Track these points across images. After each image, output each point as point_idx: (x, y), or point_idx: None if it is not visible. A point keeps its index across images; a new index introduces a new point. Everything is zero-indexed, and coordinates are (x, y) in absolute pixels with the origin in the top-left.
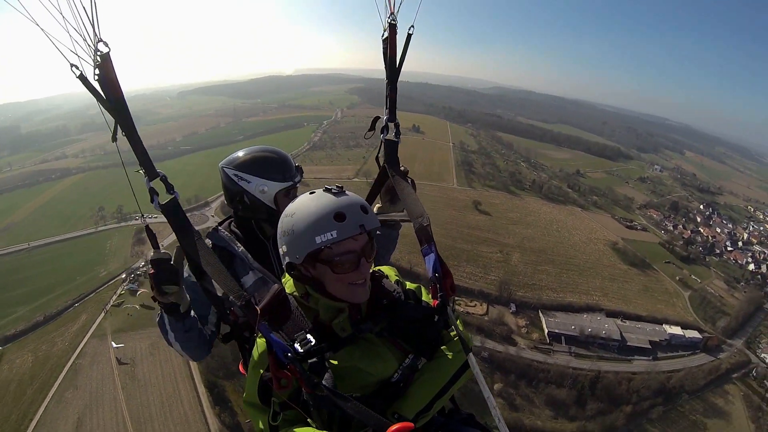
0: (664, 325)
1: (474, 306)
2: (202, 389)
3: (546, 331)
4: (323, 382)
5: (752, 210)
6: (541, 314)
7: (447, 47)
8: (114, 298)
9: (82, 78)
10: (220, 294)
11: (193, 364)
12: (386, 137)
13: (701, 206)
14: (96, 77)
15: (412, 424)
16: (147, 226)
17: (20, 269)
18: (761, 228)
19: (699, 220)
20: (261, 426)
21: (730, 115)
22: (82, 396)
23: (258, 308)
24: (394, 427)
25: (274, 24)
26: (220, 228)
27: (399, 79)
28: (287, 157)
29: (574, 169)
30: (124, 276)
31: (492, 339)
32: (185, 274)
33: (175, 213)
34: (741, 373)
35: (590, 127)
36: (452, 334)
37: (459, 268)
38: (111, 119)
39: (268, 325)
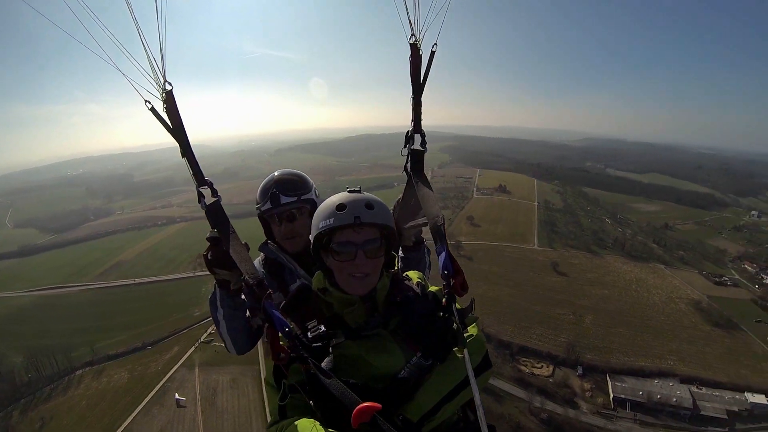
0: (746, 393)
1: (540, 367)
2: None
3: (611, 395)
4: (322, 364)
5: None
6: (608, 378)
7: (536, 98)
8: (204, 335)
9: (153, 110)
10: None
11: (267, 401)
12: (412, 147)
13: None
14: (164, 109)
15: (379, 405)
16: (206, 211)
17: (125, 301)
18: None
19: None
20: (272, 406)
21: None
22: (167, 413)
23: (267, 288)
24: (362, 405)
25: (369, 82)
26: (269, 242)
27: (490, 136)
28: (276, 181)
29: (663, 222)
30: None
31: (553, 401)
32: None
33: (216, 212)
34: None
35: (683, 173)
36: (466, 335)
37: (530, 330)
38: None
39: (281, 312)
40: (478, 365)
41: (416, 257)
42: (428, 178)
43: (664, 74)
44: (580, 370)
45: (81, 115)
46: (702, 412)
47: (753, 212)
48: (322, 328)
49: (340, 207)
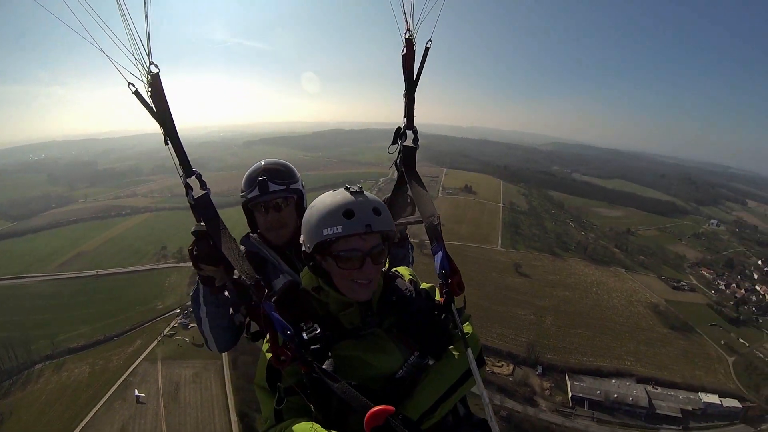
0: (699, 393)
1: (501, 366)
2: (234, 417)
3: (570, 394)
4: (322, 366)
5: None
6: (567, 377)
7: (507, 101)
8: (167, 329)
9: (137, 93)
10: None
11: (230, 394)
12: (404, 143)
13: (759, 262)
14: (148, 93)
15: (392, 408)
16: (194, 204)
17: (87, 293)
18: None
19: (756, 277)
20: (267, 410)
21: None
22: (129, 408)
23: (265, 288)
24: (375, 408)
25: (338, 77)
26: (251, 235)
27: (460, 136)
28: (264, 169)
29: (625, 227)
30: (178, 311)
31: (513, 399)
32: None
33: (205, 206)
34: None
35: (648, 181)
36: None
37: (491, 330)
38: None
39: (275, 308)
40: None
41: (401, 254)
42: (394, 176)
43: (633, 84)
44: (539, 370)
45: (45, 97)
46: (657, 411)
47: (712, 221)
48: (318, 328)
49: (348, 213)
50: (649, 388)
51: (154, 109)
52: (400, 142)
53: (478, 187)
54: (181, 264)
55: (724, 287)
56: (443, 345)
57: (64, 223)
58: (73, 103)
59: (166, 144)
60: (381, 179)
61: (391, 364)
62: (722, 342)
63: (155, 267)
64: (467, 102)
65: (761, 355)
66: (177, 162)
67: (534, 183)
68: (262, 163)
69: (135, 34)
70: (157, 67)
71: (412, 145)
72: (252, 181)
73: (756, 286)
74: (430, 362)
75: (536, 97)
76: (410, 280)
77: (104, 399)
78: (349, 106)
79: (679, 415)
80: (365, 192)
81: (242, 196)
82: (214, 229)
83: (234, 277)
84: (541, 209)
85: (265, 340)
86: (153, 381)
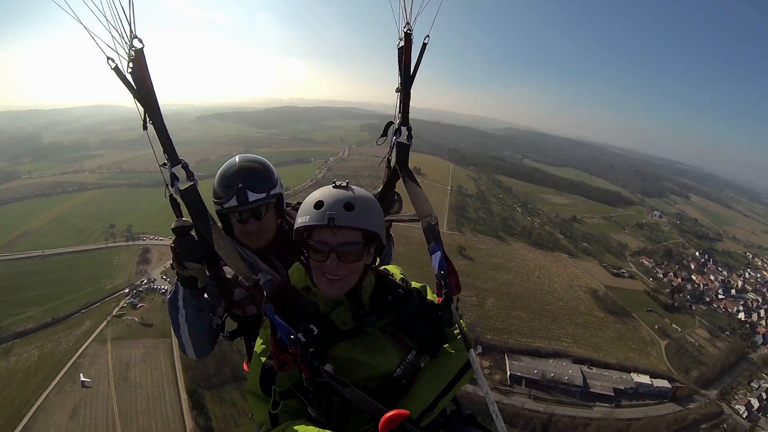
0: (632, 374)
1: None
2: (184, 395)
3: (508, 373)
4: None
5: (751, 256)
6: (506, 357)
7: (463, 84)
8: (116, 309)
9: (117, 70)
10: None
11: (180, 373)
12: (398, 140)
13: (697, 253)
14: (129, 70)
15: (407, 412)
16: (171, 196)
17: (33, 274)
18: (758, 275)
19: (693, 267)
20: (261, 416)
21: (749, 158)
22: (80, 391)
23: (264, 291)
24: (390, 413)
25: (295, 53)
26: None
27: (412, 117)
28: (241, 174)
29: (571, 214)
30: (127, 291)
31: None
32: None
33: (193, 198)
34: (710, 424)
35: (597, 170)
36: (455, 332)
37: None
38: (140, 109)
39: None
40: (468, 360)
41: (385, 250)
42: (345, 155)
43: (589, 77)
44: (479, 350)
45: None
46: (591, 390)
47: (655, 212)
48: (315, 330)
49: (318, 205)
50: (585, 368)
51: (135, 88)
52: (394, 138)
53: (428, 169)
54: (130, 243)
55: (662, 275)
56: (439, 344)
57: (7, 200)
58: (16, 70)
59: (145, 129)
60: (331, 158)
61: (389, 364)
62: (656, 327)
63: (103, 246)
64: (423, 83)
65: (692, 340)
66: (163, 149)
67: (484, 167)
68: (237, 161)
69: (116, 3)
70: (141, 41)
71: (406, 141)
72: (228, 188)
73: (692, 276)
74: (424, 362)
75: (494, 83)
76: (402, 279)
77: (54, 382)
78: (305, 84)
79: (612, 394)
80: (353, 188)
81: (217, 203)
82: (203, 225)
83: (228, 277)
84: (489, 193)
85: (259, 343)
86: (103, 362)
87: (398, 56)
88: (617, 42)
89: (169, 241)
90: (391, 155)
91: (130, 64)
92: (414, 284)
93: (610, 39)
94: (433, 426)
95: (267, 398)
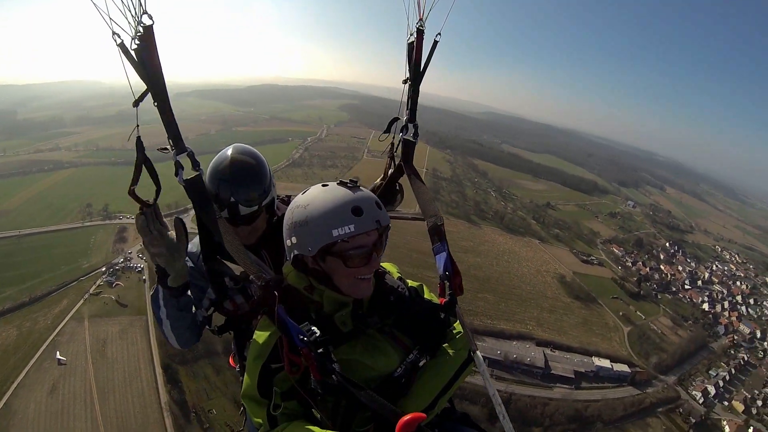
0: (593, 358)
1: None
2: (159, 370)
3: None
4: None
5: (720, 249)
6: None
7: (446, 66)
8: (93, 287)
9: (122, 47)
10: (226, 280)
11: (155, 349)
12: (405, 137)
13: (667, 244)
14: (135, 48)
15: (424, 415)
16: (184, 187)
17: (10, 254)
18: (725, 268)
19: (662, 257)
20: (259, 419)
21: (728, 154)
22: (59, 368)
23: (276, 292)
24: (407, 417)
25: (281, 28)
26: None
27: (392, 98)
28: (235, 180)
29: (546, 201)
30: (104, 269)
31: None
32: (188, 262)
33: (198, 188)
34: (666, 408)
35: (575, 158)
36: (454, 332)
37: None
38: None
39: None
40: (467, 359)
41: None
42: (322, 136)
43: (576, 64)
44: None
45: None
46: (552, 371)
47: (629, 202)
48: (316, 330)
49: (357, 211)
50: (547, 350)
51: (144, 69)
52: (401, 135)
53: None
54: (107, 222)
55: (631, 264)
56: (438, 343)
57: None
58: None
59: (135, 105)
60: (308, 138)
61: (390, 364)
62: (621, 314)
63: (80, 225)
64: (399, 64)
65: (655, 327)
66: (168, 135)
67: (461, 151)
68: (229, 155)
69: None
70: (151, 18)
71: (411, 139)
72: (219, 193)
73: (661, 266)
74: (423, 361)
75: (475, 66)
76: (399, 278)
77: (33, 360)
78: (288, 62)
79: (572, 376)
80: (361, 186)
81: None
82: (209, 219)
83: (236, 274)
84: (464, 177)
85: (258, 345)
86: (81, 339)
87: (407, 51)
88: (606, 31)
89: None
90: (395, 151)
91: (138, 42)
92: (410, 283)
93: (598, 26)
94: (428, 425)
95: (265, 402)
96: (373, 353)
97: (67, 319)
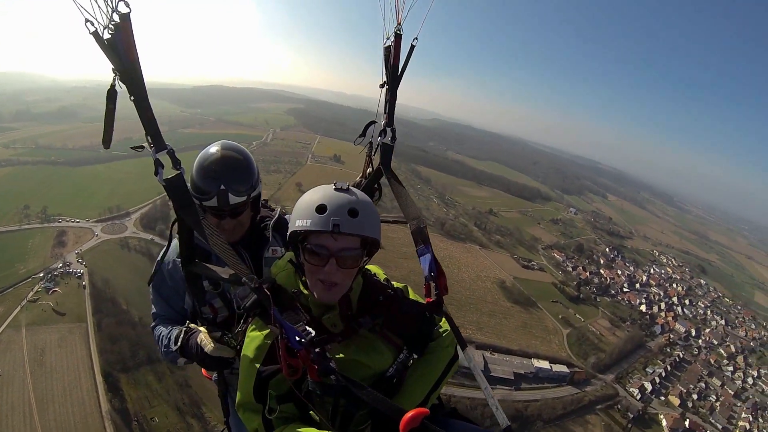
0: (533, 360)
1: None
2: (99, 378)
3: None
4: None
5: (657, 254)
6: None
7: None
8: (31, 294)
9: (96, 36)
10: (204, 285)
11: (95, 356)
12: (383, 141)
13: (607, 249)
14: (110, 38)
15: (427, 410)
16: (165, 187)
17: None
18: (662, 271)
19: (602, 262)
20: (254, 423)
21: (668, 164)
22: None
23: (268, 292)
24: (411, 413)
25: (232, 28)
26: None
27: (340, 103)
28: (222, 171)
29: (488, 207)
30: (41, 275)
31: None
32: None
33: (179, 189)
34: (605, 405)
35: (520, 166)
36: (440, 330)
37: None
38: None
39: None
40: (454, 356)
41: None
42: (268, 140)
43: (523, 73)
44: None
45: None
46: (492, 374)
47: (571, 209)
48: (311, 330)
49: (321, 209)
50: (487, 353)
51: (119, 60)
52: (380, 138)
53: (347, 156)
54: (45, 225)
55: (571, 269)
56: (426, 341)
57: None
58: None
59: (109, 104)
60: (254, 142)
61: (384, 363)
62: (560, 317)
63: (17, 228)
64: (350, 67)
65: (593, 329)
66: (146, 131)
67: (404, 157)
68: (217, 152)
69: None
70: (127, 5)
71: (389, 143)
72: (207, 184)
73: (600, 270)
74: (412, 359)
75: (421, 72)
76: (386, 279)
77: None
78: (235, 64)
79: (512, 378)
80: (355, 191)
81: (195, 197)
82: (192, 218)
83: (220, 276)
84: (407, 183)
85: (251, 349)
86: (18, 348)
87: (384, 55)
88: (554, 42)
89: (86, 222)
90: (374, 154)
91: (113, 31)
92: (396, 284)
93: (547, 37)
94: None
95: (260, 406)
96: (368, 352)
97: (2, 327)
